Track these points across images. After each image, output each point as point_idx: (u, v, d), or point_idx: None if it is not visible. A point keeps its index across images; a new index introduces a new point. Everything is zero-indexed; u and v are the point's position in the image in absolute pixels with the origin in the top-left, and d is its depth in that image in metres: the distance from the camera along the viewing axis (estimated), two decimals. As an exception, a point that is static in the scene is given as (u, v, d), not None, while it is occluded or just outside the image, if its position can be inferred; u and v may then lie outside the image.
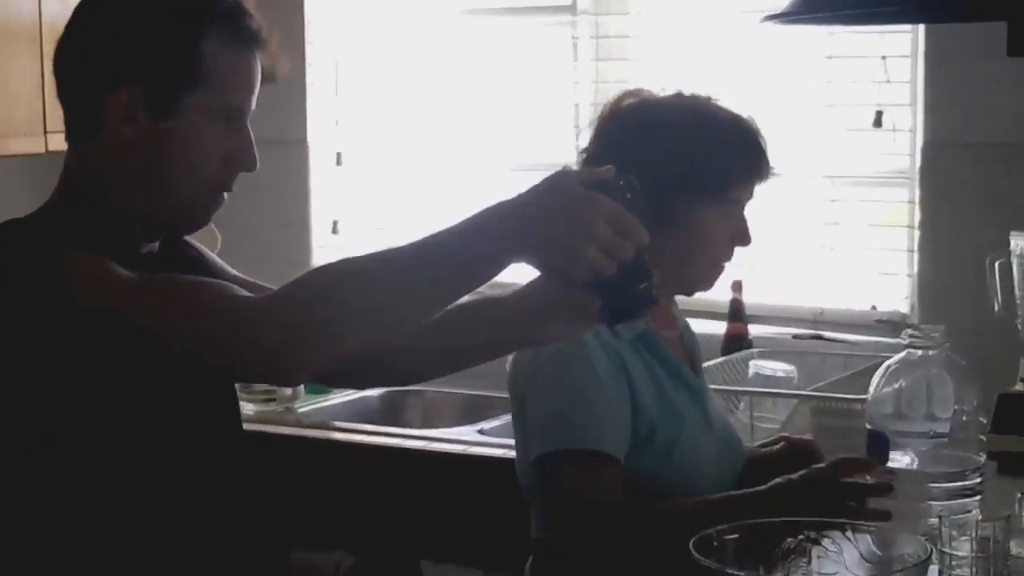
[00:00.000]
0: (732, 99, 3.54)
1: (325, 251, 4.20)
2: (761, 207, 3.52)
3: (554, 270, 1.64)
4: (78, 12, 1.82)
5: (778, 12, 1.45)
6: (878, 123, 3.51)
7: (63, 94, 1.81)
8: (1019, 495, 2.15)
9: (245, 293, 1.72)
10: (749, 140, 2.69)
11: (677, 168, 2.58)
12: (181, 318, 1.64)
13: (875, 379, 2.22)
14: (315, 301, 1.61)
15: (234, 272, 2.08)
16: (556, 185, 1.60)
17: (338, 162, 4.21)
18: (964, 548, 2.01)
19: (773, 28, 3.49)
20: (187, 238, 1.97)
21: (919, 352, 2.20)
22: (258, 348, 1.60)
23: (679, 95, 2.78)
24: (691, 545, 1.80)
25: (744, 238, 2.71)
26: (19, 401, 1.73)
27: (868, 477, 2.30)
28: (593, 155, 2.67)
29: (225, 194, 1.83)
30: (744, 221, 2.74)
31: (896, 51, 3.50)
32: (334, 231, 4.22)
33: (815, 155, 3.60)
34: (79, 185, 1.80)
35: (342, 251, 4.07)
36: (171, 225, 1.86)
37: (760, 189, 3.37)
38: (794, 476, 2.35)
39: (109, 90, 1.72)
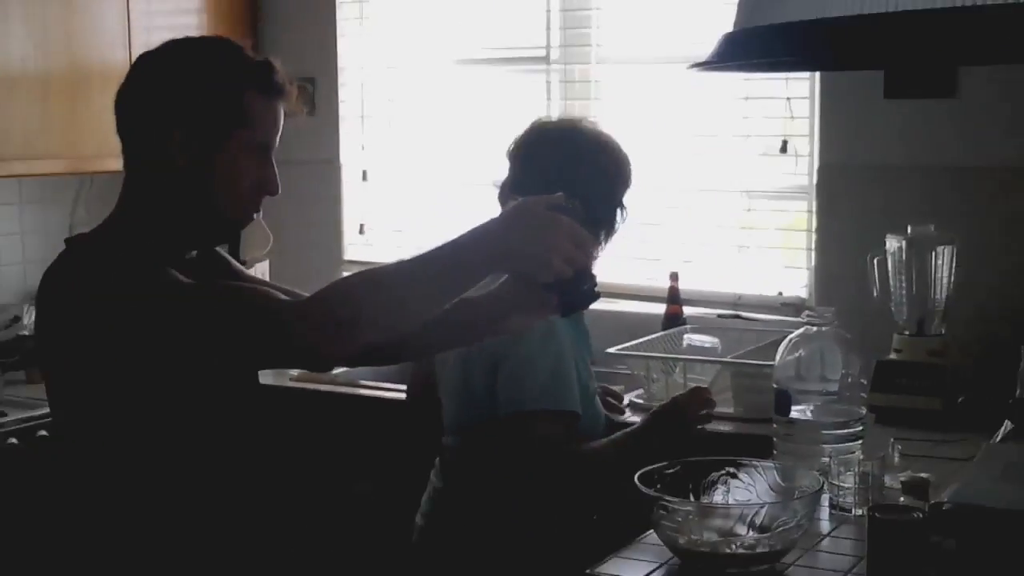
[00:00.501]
0: (670, 131, 3.68)
1: (354, 247, 4.21)
2: (694, 215, 3.68)
3: (524, 276, 1.76)
4: (141, 64, 1.85)
5: (701, 61, 1.55)
6: (784, 150, 3.57)
7: (123, 129, 1.84)
8: (892, 440, 2.32)
9: (283, 296, 1.77)
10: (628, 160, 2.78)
11: (599, 186, 2.64)
12: (236, 319, 1.71)
13: (780, 349, 2.31)
14: (341, 304, 1.67)
15: (250, 274, 2.17)
16: (526, 211, 1.68)
17: (364, 178, 4.21)
18: (849, 481, 2.10)
19: (701, 74, 3.62)
20: (217, 248, 2.01)
21: (815, 328, 2.28)
22: (297, 343, 1.68)
23: (574, 123, 2.83)
24: (636, 479, 1.92)
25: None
26: (112, 382, 1.76)
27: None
28: (525, 175, 2.69)
29: (255, 214, 1.89)
30: None
31: (798, 93, 3.53)
32: (360, 232, 4.22)
33: (735, 175, 3.63)
34: (139, 204, 1.84)
35: (367, 248, 4.18)
36: (211, 238, 1.93)
37: (693, 202, 3.50)
38: (657, 409, 2.60)
39: (169, 128, 1.77)
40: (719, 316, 3.57)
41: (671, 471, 2.00)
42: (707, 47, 3.09)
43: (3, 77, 3.47)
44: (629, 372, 3.36)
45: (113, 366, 1.74)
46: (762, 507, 1.88)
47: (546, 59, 3.90)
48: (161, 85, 1.81)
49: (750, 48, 1.09)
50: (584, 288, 1.72)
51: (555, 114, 3.73)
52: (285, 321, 1.68)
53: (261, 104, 1.81)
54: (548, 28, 3.89)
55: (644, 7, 3.75)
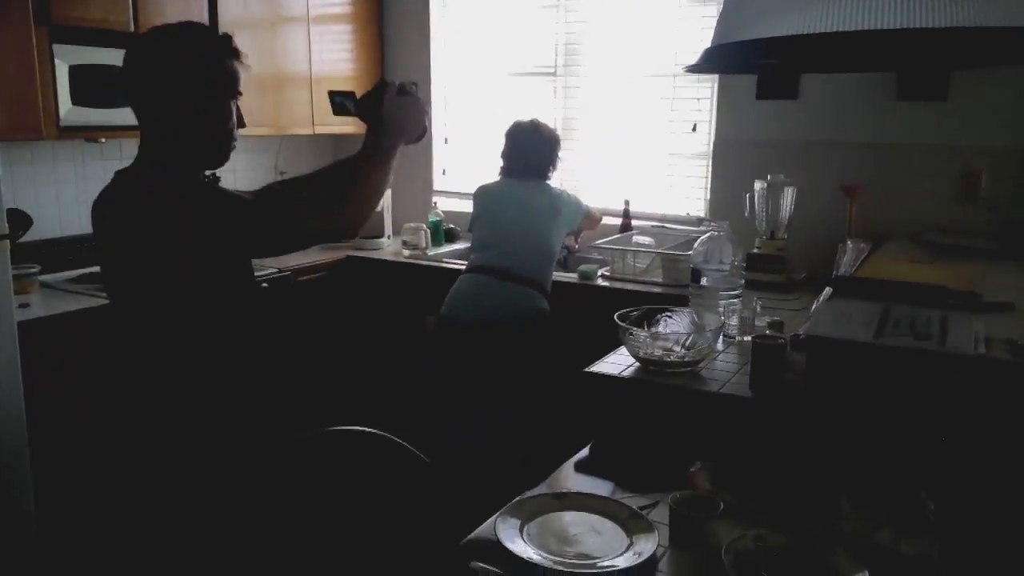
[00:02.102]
0: (629, 118, 3.60)
1: (439, 180, 4.10)
2: (641, 166, 3.64)
3: (405, 133, 1.72)
4: (150, 47, 1.55)
5: (690, 65, 1.48)
6: (694, 129, 3.50)
7: (145, 96, 1.56)
8: (755, 298, 2.24)
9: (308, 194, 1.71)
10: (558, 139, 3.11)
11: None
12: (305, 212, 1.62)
13: (696, 245, 2.23)
14: (360, 196, 1.66)
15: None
16: (404, 103, 1.71)
17: (445, 142, 4.13)
18: (734, 320, 2.11)
19: (646, 81, 3.55)
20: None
21: (715, 233, 2.21)
22: (345, 222, 1.65)
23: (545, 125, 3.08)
24: (616, 317, 1.89)
25: None
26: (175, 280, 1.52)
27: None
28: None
29: (233, 142, 1.65)
30: None
31: (704, 95, 3.45)
32: (443, 174, 4.13)
33: (666, 143, 3.56)
34: (163, 147, 1.58)
35: (446, 181, 4.11)
36: (215, 163, 1.65)
37: (641, 159, 3.42)
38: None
39: (185, 92, 1.55)
40: (652, 226, 3.52)
41: (635, 313, 1.96)
42: (657, 66, 2.96)
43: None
44: (601, 256, 3.33)
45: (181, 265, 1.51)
46: (689, 335, 1.88)
47: (553, 74, 3.80)
48: (176, 63, 1.54)
49: (712, 59, 1.00)
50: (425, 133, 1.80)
51: (559, 106, 3.65)
52: (336, 211, 1.64)
53: (234, 67, 1.61)
54: (556, 52, 3.78)
55: (616, 39, 3.63)
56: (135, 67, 1.56)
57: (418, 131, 1.77)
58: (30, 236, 2.93)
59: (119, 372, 1.63)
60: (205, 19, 3.17)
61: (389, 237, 3.86)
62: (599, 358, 1.95)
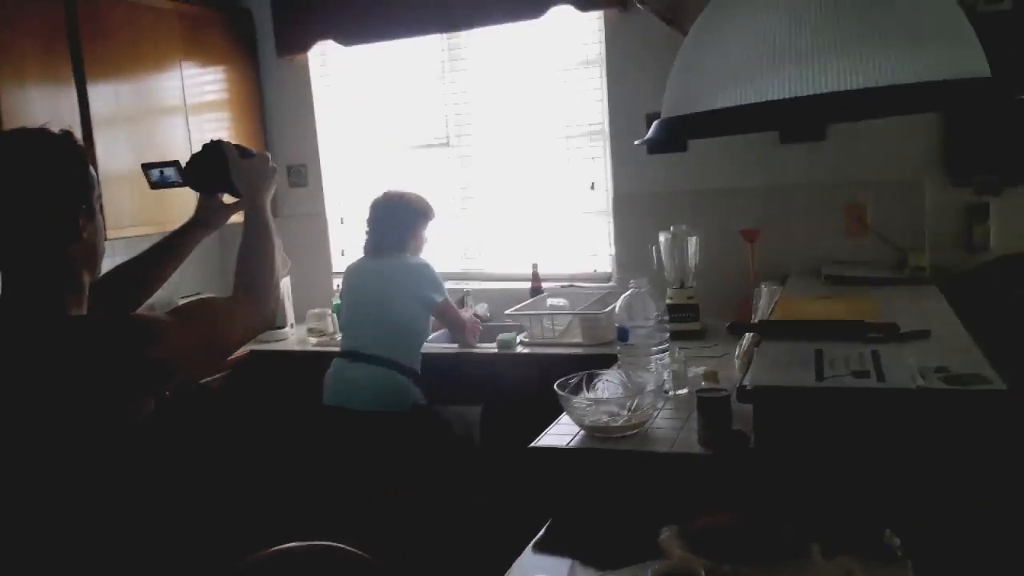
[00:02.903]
0: (528, 178, 3.61)
1: (337, 262, 3.98)
2: (545, 227, 3.68)
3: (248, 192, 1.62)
4: (26, 158, 1.33)
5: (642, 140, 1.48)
6: (592, 187, 3.56)
7: (25, 216, 1.32)
8: (677, 349, 2.27)
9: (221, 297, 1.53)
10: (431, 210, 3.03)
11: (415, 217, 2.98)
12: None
13: (619, 301, 2.24)
14: (269, 279, 1.52)
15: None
16: (258, 168, 1.64)
17: (341, 222, 4.04)
18: (666, 374, 2.13)
19: (547, 144, 3.60)
20: None
21: (635, 289, 2.22)
22: (265, 319, 1.50)
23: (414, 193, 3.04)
24: (555, 386, 1.85)
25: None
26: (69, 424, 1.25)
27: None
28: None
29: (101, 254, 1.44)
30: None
31: (599, 155, 3.52)
32: (342, 254, 4.01)
33: (566, 202, 3.61)
34: (52, 271, 1.34)
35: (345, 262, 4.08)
36: (89, 277, 1.40)
37: (543, 219, 3.44)
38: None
39: (76, 207, 1.35)
40: (562, 287, 3.53)
41: (573, 380, 1.94)
42: (549, 128, 2.94)
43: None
44: (516, 324, 3.31)
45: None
46: (634, 398, 1.87)
47: (446, 143, 3.81)
48: (60, 175, 1.35)
49: (663, 133, 1.01)
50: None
51: (453, 181, 3.63)
52: (251, 312, 1.48)
53: (82, 168, 1.39)
54: (447, 122, 3.80)
55: (505, 106, 3.69)
56: (27, 179, 1.33)
57: (271, 186, 1.67)
58: None
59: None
60: (76, 116, 3.02)
61: (292, 326, 3.73)
62: (534, 428, 1.92)
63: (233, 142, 1.69)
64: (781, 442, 1.57)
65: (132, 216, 3.21)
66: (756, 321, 2.33)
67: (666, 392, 2.11)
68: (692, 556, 1.38)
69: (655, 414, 1.90)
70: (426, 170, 3.82)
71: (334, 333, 3.51)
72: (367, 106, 3.93)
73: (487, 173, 3.76)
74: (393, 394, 2.81)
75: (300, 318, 3.73)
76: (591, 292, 3.39)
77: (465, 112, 3.75)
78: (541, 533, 1.68)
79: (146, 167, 1.69)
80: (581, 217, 3.63)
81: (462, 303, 3.46)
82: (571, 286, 3.50)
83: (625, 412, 1.84)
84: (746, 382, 1.60)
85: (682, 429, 1.86)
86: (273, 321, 1.52)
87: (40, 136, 1.36)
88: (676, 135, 1.01)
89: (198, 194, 1.74)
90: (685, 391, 2.14)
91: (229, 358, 1.55)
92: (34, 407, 1.25)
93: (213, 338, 1.40)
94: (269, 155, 1.68)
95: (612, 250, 3.54)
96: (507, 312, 3.23)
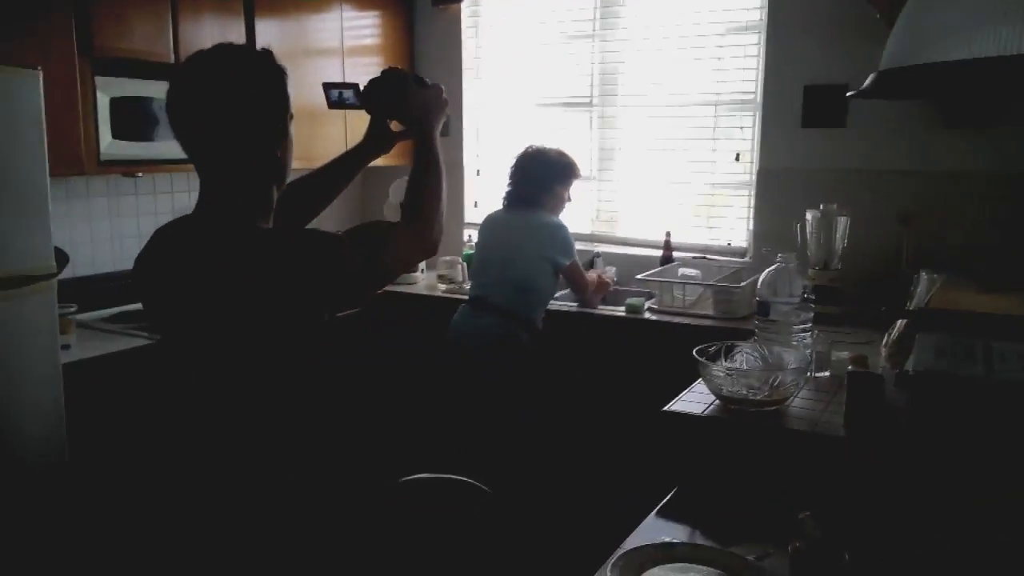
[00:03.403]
0: (669, 149, 3.56)
1: (469, 213, 4.04)
2: (683, 198, 3.60)
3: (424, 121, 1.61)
4: (227, 76, 1.38)
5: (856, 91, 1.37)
6: (737, 159, 3.46)
7: (224, 131, 1.37)
8: (816, 331, 2.20)
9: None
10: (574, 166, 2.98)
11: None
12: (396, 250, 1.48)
13: (763, 275, 2.15)
14: (434, 207, 1.52)
15: None
16: (430, 96, 1.62)
17: (477, 174, 4.08)
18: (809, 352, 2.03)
19: (694, 111, 3.51)
20: None
21: (782, 264, 2.13)
22: (430, 244, 1.50)
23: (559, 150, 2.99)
24: (695, 352, 1.81)
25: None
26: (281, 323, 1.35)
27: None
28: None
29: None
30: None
31: (747, 124, 3.41)
32: (475, 206, 4.07)
33: (708, 173, 3.52)
34: (242, 185, 1.41)
35: (478, 213, 4.12)
36: (279, 182, 1.48)
37: (682, 189, 3.38)
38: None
39: (272, 127, 1.41)
40: (694, 258, 3.45)
41: (712, 348, 1.88)
42: (698, 95, 2.84)
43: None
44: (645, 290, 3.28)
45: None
46: (780, 373, 1.80)
47: (589, 104, 3.78)
48: (264, 92, 1.40)
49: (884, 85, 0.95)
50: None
51: (595, 136, 3.60)
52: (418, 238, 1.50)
53: (281, 85, 1.44)
54: (592, 81, 3.75)
55: (655, 68, 3.61)
56: (176, 100, 1.39)
57: (444, 121, 1.67)
58: (64, 275, 2.86)
59: (188, 425, 1.49)
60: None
61: (422, 271, 3.81)
62: (656, 394, 1.90)
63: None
64: (938, 432, 1.49)
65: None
66: (912, 308, 2.20)
67: (807, 373, 2.03)
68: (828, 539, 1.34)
69: (796, 392, 1.84)
70: (566, 129, 3.80)
71: (463, 282, 3.56)
72: (514, 60, 3.93)
73: (627, 136, 3.71)
74: (505, 344, 2.83)
75: (431, 264, 3.80)
76: (723, 265, 3.32)
77: (612, 72, 3.70)
78: (666, 500, 1.66)
79: (327, 86, 1.72)
80: (720, 189, 3.55)
81: (591, 264, 3.44)
82: (703, 258, 3.43)
83: (765, 387, 1.79)
84: (909, 367, 1.52)
85: (824, 411, 1.80)
86: (436, 248, 1.54)
87: (247, 53, 1.41)
88: (896, 86, 0.95)
89: (370, 117, 1.76)
90: (827, 374, 2.07)
91: (384, 286, 1.58)
92: (227, 308, 1.34)
93: (382, 259, 1.44)
94: (443, 87, 1.67)
95: (750, 225, 3.44)
96: (638, 277, 3.18)
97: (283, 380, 1.41)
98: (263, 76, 1.40)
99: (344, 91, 1.71)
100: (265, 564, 1.41)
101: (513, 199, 2.99)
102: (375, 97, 1.69)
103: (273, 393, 1.41)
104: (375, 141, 1.77)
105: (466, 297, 3.03)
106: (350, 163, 1.78)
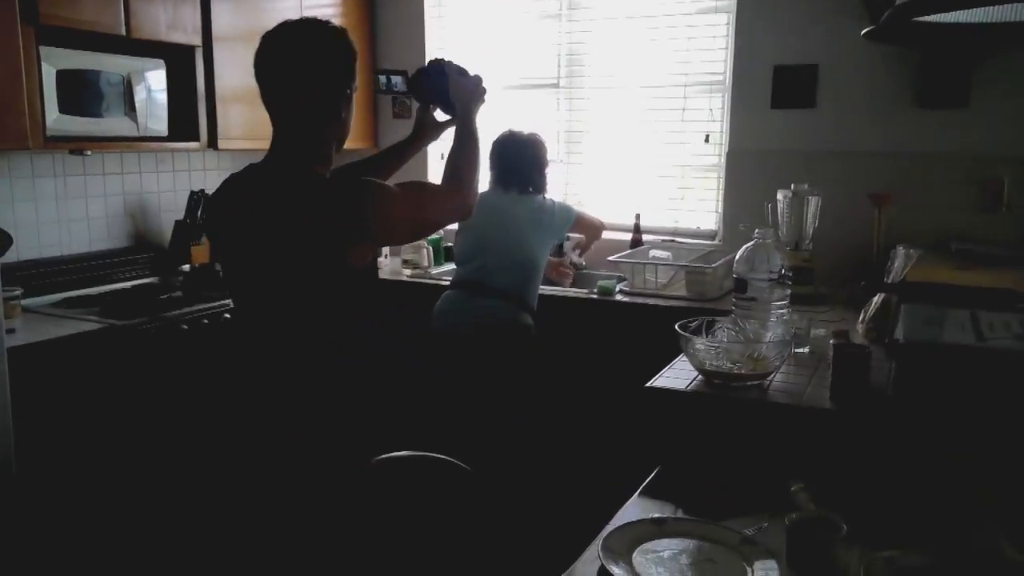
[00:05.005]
0: (637, 129, 3.52)
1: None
2: (651, 180, 3.58)
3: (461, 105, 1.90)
4: (301, 44, 1.60)
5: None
6: (707, 140, 3.44)
7: (299, 91, 1.60)
8: (791, 310, 2.20)
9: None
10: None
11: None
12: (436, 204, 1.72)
13: (740, 251, 2.11)
14: (472, 178, 1.80)
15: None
16: (469, 83, 1.90)
17: (441, 157, 3.99)
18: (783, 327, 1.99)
19: (662, 92, 3.47)
20: None
21: (760, 240, 2.10)
22: (466, 206, 1.76)
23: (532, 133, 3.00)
24: (676, 327, 1.80)
25: None
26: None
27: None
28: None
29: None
30: None
31: (716, 105, 3.39)
32: None
33: (676, 156, 3.50)
34: (309, 140, 1.64)
35: None
36: (339, 144, 1.71)
37: (650, 172, 3.35)
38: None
39: (341, 91, 1.64)
40: (663, 241, 3.44)
41: (693, 324, 1.85)
42: (666, 76, 2.85)
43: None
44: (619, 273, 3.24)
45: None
46: (763, 346, 1.78)
47: (556, 85, 3.73)
48: (339, 60, 1.63)
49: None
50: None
51: (561, 118, 3.57)
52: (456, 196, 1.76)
53: (354, 59, 1.68)
54: (558, 63, 3.70)
55: (623, 49, 3.57)
56: (266, 58, 1.61)
57: (481, 103, 1.93)
58: (7, 257, 2.72)
59: (234, 371, 1.73)
60: (198, 25, 3.02)
61: (386, 256, 3.72)
62: (632, 374, 1.86)
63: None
64: (927, 401, 1.47)
65: (241, 130, 3.23)
66: (892, 282, 2.19)
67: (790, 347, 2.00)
68: (822, 511, 1.30)
69: (780, 365, 1.81)
70: (533, 111, 3.74)
71: (428, 267, 3.51)
72: (478, 40, 3.85)
73: (596, 118, 3.66)
74: (514, 326, 2.80)
75: (394, 250, 3.72)
76: (694, 248, 3.29)
77: (578, 52, 3.65)
78: (649, 479, 1.63)
79: (378, 72, 1.94)
80: (690, 171, 3.52)
81: (560, 249, 3.39)
82: (673, 241, 3.42)
83: (748, 361, 1.77)
84: (898, 336, 1.50)
85: (808, 384, 1.77)
86: (471, 211, 1.78)
87: (328, 27, 1.64)
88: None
89: (417, 105, 1.99)
90: (806, 350, 2.05)
91: (426, 236, 2.10)
92: (284, 245, 1.54)
93: (422, 211, 1.68)
94: (482, 77, 1.91)
95: (718, 207, 3.43)
96: (610, 259, 3.14)
97: (327, 324, 1.61)
98: (339, 47, 1.63)
99: (393, 76, 1.92)
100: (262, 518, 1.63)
101: (501, 181, 2.94)
102: (422, 85, 1.88)
103: (315, 339, 1.60)
104: (423, 131, 2.02)
105: (443, 282, 2.97)
106: (403, 150, 2.05)
